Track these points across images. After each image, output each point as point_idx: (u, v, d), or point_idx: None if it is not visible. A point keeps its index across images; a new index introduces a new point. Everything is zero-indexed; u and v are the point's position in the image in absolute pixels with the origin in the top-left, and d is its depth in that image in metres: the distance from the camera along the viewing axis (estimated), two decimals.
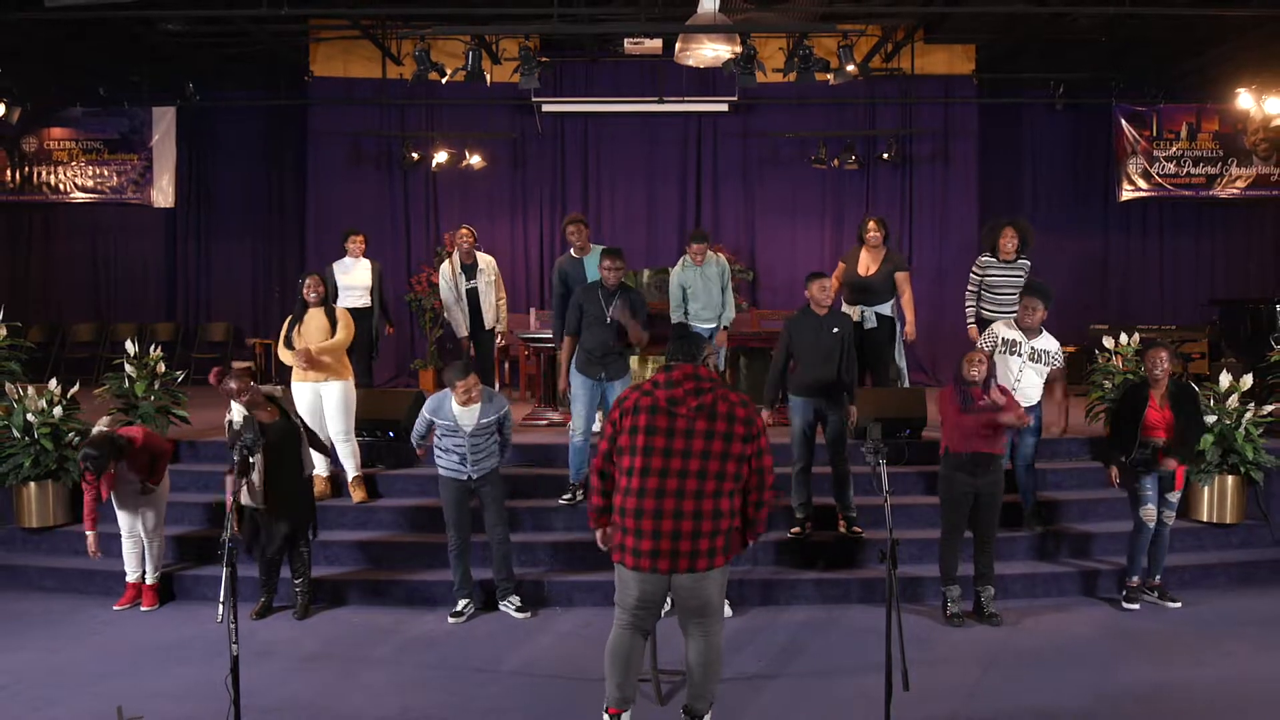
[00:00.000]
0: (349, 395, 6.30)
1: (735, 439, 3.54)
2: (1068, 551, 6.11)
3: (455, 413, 5.25)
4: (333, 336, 6.22)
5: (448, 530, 5.40)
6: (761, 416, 3.77)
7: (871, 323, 7.36)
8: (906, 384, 7.71)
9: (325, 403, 6.10)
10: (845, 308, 7.21)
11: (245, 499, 5.25)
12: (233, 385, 5.28)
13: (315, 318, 6.23)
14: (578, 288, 6.37)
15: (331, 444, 6.21)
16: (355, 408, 6.42)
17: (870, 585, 5.68)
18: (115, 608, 5.60)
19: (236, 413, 5.37)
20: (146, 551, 5.60)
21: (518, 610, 5.47)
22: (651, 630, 3.73)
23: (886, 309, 7.39)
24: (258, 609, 5.45)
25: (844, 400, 5.94)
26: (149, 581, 5.64)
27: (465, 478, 5.31)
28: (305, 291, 6.25)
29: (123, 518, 5.54)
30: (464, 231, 7.81)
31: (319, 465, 6.26)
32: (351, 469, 6.37)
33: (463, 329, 7.77)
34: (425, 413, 5.41)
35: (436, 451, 5.37)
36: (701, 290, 7.13)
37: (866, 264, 7.37)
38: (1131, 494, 5.56)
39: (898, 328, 7.45)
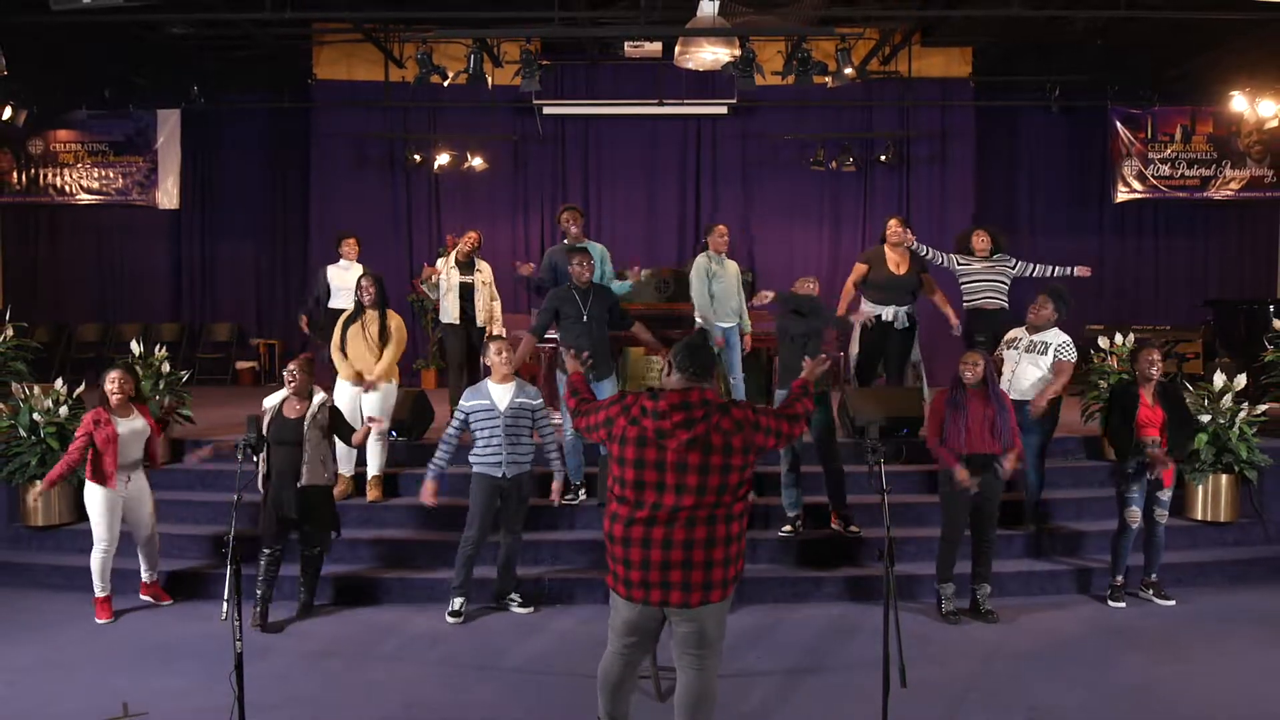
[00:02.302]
0: (389, 397, 6.38)
1: (733, 470, 3.24)
2: (1063, 550, 6.17)
3: (491, 390, 5.38)
4: (381, 345, 6.30)
5: (468, 527, 5.42)
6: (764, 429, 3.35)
7: (903, 323, 7.27)
8: (925, 379, 7.63)
9: (364, 402, 6.21)
10: (872, 308, 7.15)
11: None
12: (292, 365, 5.44)
13: (370, 320, 6.34)
14: (551, 291, 6.35)
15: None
16: (393, 409, 6.48)
17: (867, 583, 5.73)
18: (99, 621, 5.40)
19: (270, 401, 5.49)
20: (142, 552, 5.64)
21: (520, 606, 5.54)
22: (640, 661, 3.60)
23: (913, 308, 7.38)
24: (261, 607, 5.49)
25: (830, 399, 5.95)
26: (150, 580, 5.69)
27: (499, 475, 5.36)
28: (362, 294, 6.34)
29: (112, 514, 5.43)
30: (471, 235, 7.93)
31: (341, 465, 6.30)
32: (375, 467, 6.41)
33: (452, 316, 7.83)
34: (461, 403, 5.45)
35: (473, 449, 5.43)
36: (733, 286, 6.95)
37: (896, 262, 7.24)
38: (1118, 494, 5.62)
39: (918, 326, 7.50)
